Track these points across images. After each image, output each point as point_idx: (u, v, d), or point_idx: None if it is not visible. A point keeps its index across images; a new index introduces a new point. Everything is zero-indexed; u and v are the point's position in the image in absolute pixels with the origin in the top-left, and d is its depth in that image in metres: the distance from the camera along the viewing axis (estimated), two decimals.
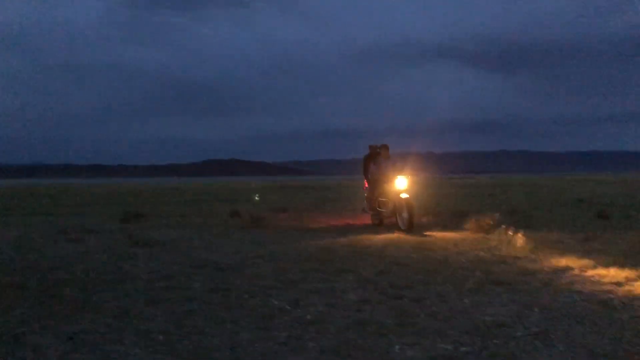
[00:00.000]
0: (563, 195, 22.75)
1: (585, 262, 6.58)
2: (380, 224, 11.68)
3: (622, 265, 6.19)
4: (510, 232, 8.34)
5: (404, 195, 10.78)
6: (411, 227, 10.31)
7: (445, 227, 10.75)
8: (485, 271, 6.20)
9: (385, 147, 12.10)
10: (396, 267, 6.54)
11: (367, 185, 12.56)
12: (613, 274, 5.83)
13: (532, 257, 7.05)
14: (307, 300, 4.94)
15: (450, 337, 3.85)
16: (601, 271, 6.01)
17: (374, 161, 12.08)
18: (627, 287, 5.22)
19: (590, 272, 5.98)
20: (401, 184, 11.09)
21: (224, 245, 8.69)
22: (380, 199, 11.59)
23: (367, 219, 12.34)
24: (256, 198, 17.04)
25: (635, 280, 5.52)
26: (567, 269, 6.25)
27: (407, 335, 3.89)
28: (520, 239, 7.92)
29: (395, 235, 9.86)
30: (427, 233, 10.01)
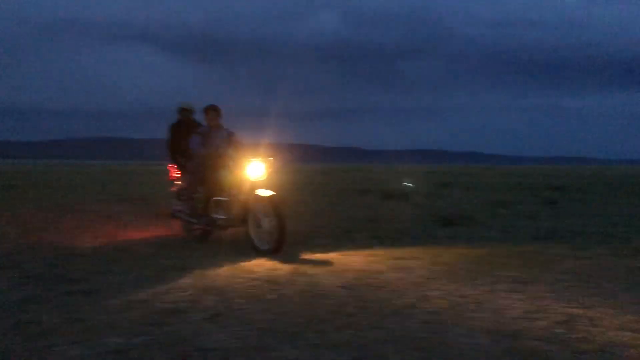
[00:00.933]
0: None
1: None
2: (204, 239, 7.33)
3: (297, 246, 6.86)
4: None
5: (264, 192, 6.51)
6: (281, 246, 6.27)
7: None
8: (168, 257, 6.16)
9: (214, 109, 7.43)
10: (71, 258, 6.04)
11: (177, 174, 8.03)
12: (287, 253, 6.38)
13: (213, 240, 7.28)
14: None
15: (124, 329, 3.66)
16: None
17: (196, 133, 7.40)
18: (291, 265, 5.75)
19: (263, 253, 6.40)
20: (257, 172, 6.74)
21: None
22: (216, 197, 7.08)
23: (171, 228, 8.08)
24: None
25: (301, 262, 6.16)
26: (245, 250, 6.61)
27: (73, 333, 3.56)
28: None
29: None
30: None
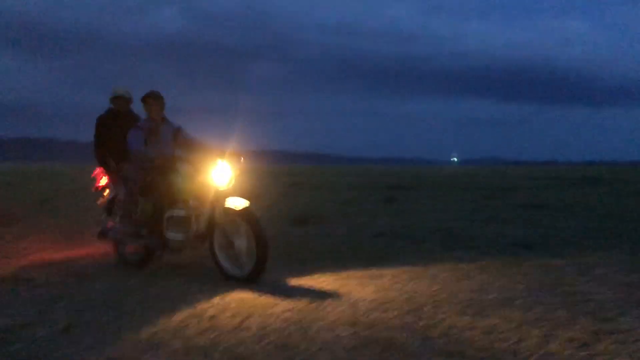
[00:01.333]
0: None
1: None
2: (145, 263, 5.71)
3: None
4: None
5: (235, 203, 5.12)
6: (261, 271, 5.04)
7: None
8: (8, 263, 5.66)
9: (156, 97, 5.79)
10: None
11: (104, 179, 6.30)
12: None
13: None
14: None
15: None
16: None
17: (136, 128, 5.77)
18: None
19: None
20: (224, 176, 5.26)
21: None
22: (169, 210, 5.49)
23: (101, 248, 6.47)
24: None
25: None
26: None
27: None
28: None
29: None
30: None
